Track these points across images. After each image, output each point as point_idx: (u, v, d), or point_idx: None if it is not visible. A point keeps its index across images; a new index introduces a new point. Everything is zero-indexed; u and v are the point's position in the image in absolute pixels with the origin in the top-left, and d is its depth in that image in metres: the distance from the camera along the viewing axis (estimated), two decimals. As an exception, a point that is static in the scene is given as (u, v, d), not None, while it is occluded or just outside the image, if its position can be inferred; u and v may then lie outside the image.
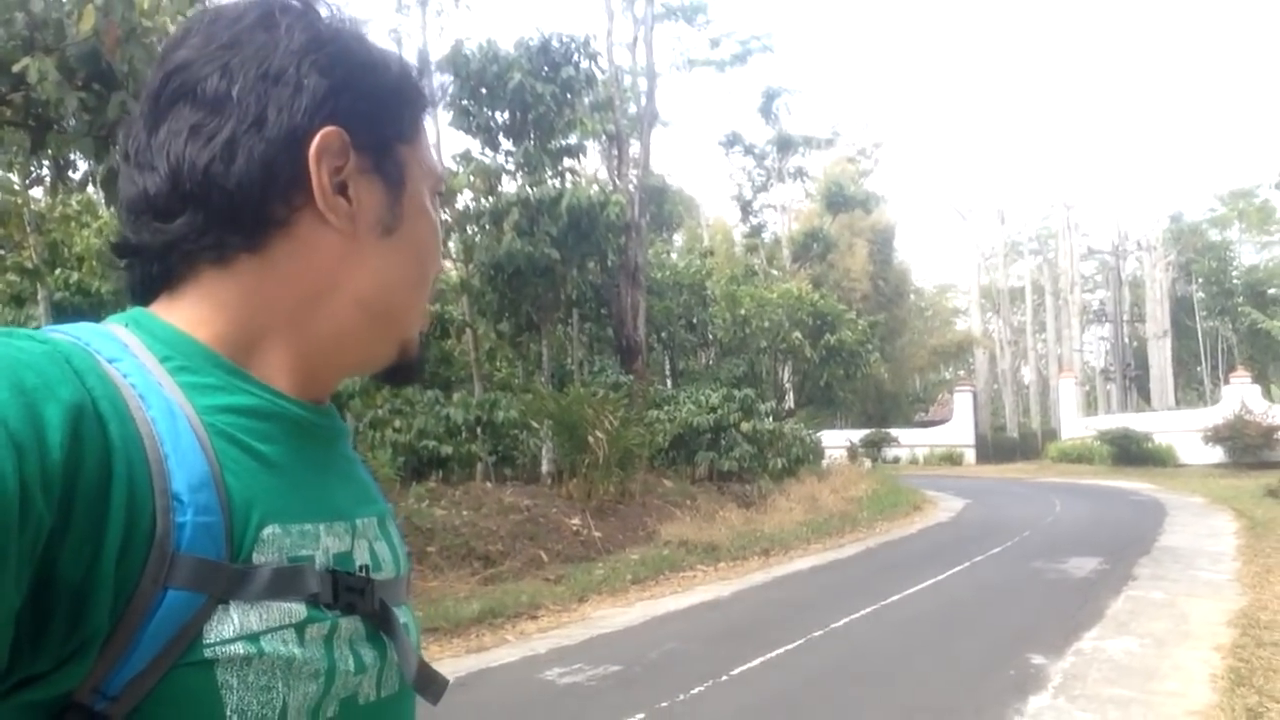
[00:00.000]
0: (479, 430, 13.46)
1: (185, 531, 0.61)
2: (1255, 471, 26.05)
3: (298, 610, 0.66)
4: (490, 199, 15.36)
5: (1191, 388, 50.28)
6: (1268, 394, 33.42)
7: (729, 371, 21.02)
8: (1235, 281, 49.30)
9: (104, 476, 0.58)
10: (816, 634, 7.76)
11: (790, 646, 7.33)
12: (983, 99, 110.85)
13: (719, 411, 16.83)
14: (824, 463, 21.95)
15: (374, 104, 0.74)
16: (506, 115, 15.69)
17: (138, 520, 0.59)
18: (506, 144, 16.02)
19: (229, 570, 0.63)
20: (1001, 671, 6.56)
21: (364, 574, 0.73)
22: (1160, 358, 44.66)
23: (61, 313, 12.82)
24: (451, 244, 15.41)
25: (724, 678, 6.41)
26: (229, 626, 0.61)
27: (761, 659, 6.93)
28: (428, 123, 0.83)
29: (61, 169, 7.06)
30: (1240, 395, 31.28)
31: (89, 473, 0.57)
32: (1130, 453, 32.07)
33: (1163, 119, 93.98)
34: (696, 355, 22.66)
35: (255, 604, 0.63)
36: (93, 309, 13.43)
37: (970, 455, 39.03)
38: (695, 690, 6.08)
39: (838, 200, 37.26)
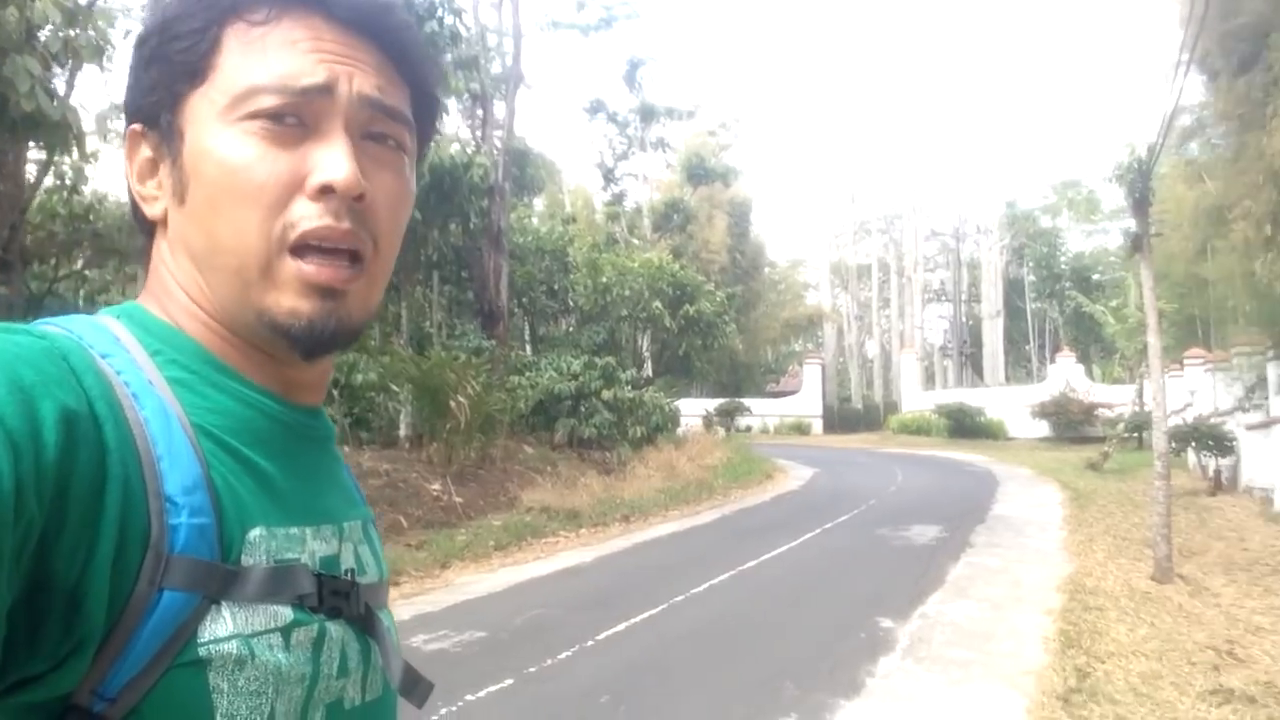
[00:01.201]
0: (335, 392, 13.08)
1: (179, 533, 0.61)
2: (1076, 445, 27.97)
3: (284, 613, 0.66)
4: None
5: (1020, 365, 53.44)
6: (1090, 373, 35.93)
7: (589, 339, 21.08)
8: (1063, 266, 52.54)
9: (99, 477, 0.58)
10: (678, 599, 7.94)
11: (654, 611, 7.48)
12: (836, 81, 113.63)
13: (581, 379, 16.88)
14: (680, 431, 22.34)
15: (140, 83, 0.74)
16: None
17: (132, 522, 0.59)
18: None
19: (222, 570, 0.63)
20: (853, 634, 6.88)
21: (349, 578, 0.73)
22: (993, 336, 47.32)
23: None
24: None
25: (590, 642, 6.50)
26: (222, 626, 0.62)
27: (626, 624, 7.05)
28: (263, 32, 0.70)
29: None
30: (1065, 374, 33.52)
31: (83, 473, 0.57)
32: (965, 426, 33.92)
33: (1003, 108, 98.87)
34: (557, 322, 22.63)
35: (246, 605, 0.64)
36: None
37: (818, 425, 40.43)
38: (562, 655, 6.14)
39: (698, 172, 37.70)
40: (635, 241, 31.90)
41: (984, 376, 47.23)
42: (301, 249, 0.69)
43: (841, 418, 42.47)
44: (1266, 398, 14.29)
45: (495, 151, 18.44)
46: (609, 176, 37.35)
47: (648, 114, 37.37)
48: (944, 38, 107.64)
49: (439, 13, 15.48)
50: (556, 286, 21.35)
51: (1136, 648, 6.38)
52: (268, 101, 0.69)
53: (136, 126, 0.75)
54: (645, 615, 7.34)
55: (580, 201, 36.39)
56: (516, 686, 5.50)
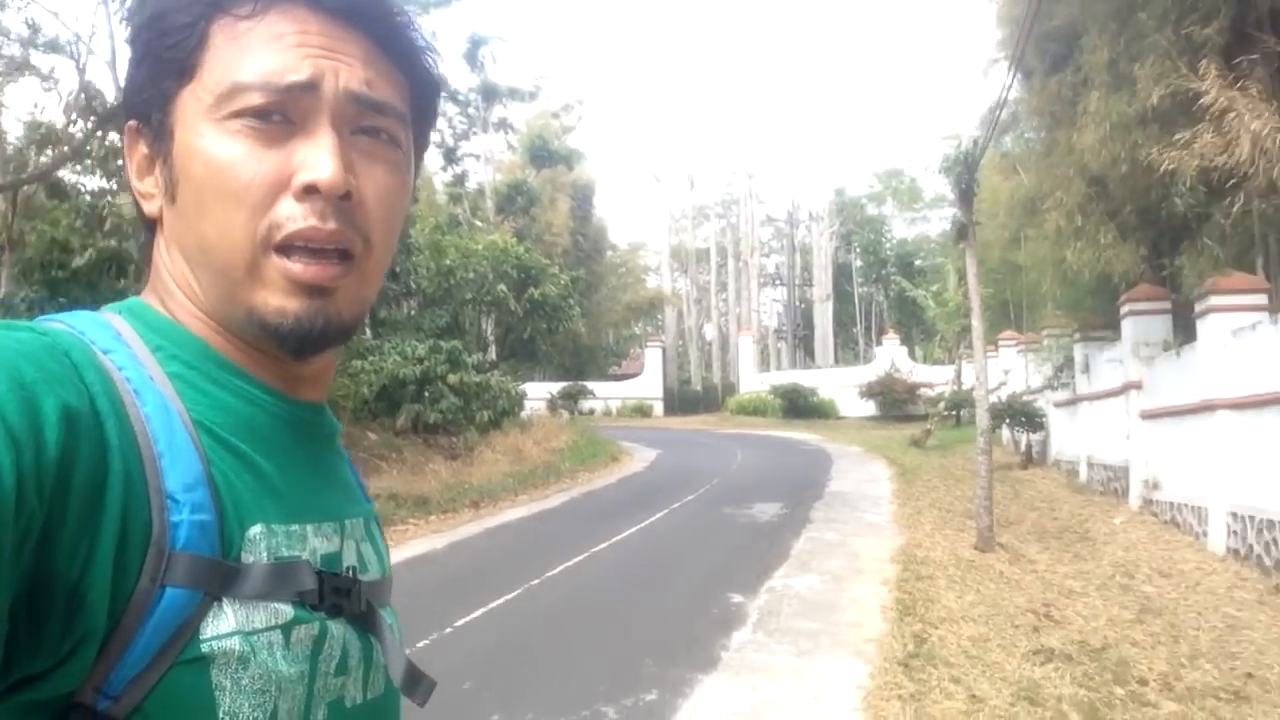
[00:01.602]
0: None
1: (181, 530, 0.61)
2: (901, 424, 29.46)
3: (285, 611, 0.66)
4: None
5: (849, 347, 55.78)
6: (913, 355, 37.91)
7: (432, 322, 20.71)
8: (888, 252, 55.17)
9: (100, 473, 0.57)
10: (534, 582, 8.00)
11: (510, 596, 7.52)
12: (679, 68, 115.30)
13: (426, 363, 16.61)
14: (525, 415, 22.29)
15: (133, 80, 0.73)
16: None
17: (134, 519, 0.59)
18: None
19: (224, 567, 0.63)
20: (707, 610, 7.12)
21: (351, 575, 0.73)
22: (824, 319, 49.18)
23: None
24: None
25: (448, 629, 6.49)
26: (224, 622, 0.62)
27: (483, 609, 7.07)
28: (243, 28, 0.69)
29: None
30: (890, 355, 35.30)
31: (84, 469, 0.56)
32: (799, 406, 35.19)
33: (834, 98, 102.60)
34: (399, 305, 22.09)
35: (247, 602, 0.64)
36: None
37: (659, 407, 41.06)
38: (420, 644, 6.11)
39: (541, 154, 37.51)
40: (478, 223, 31.50)
41: (815, 358, 49.05)
42: (288, 248, 0.68)
43: (682, 399, 43.25)
44: (1073, 377, 15.45)
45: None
46: (450, 157, 36.68)
47: (489, 94, 36.85)
48: (780, 28, 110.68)
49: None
50: (398, 269, 20.77)
51: (965, 613, 6.88)
52: (252, 99, 0.67)
53: (133, 123, 0.74)
54: (502, 600, 7.38)
55: (421, 181, 35.62)
56: (378, 677, 5.44)
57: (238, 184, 0.67)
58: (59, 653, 0.55)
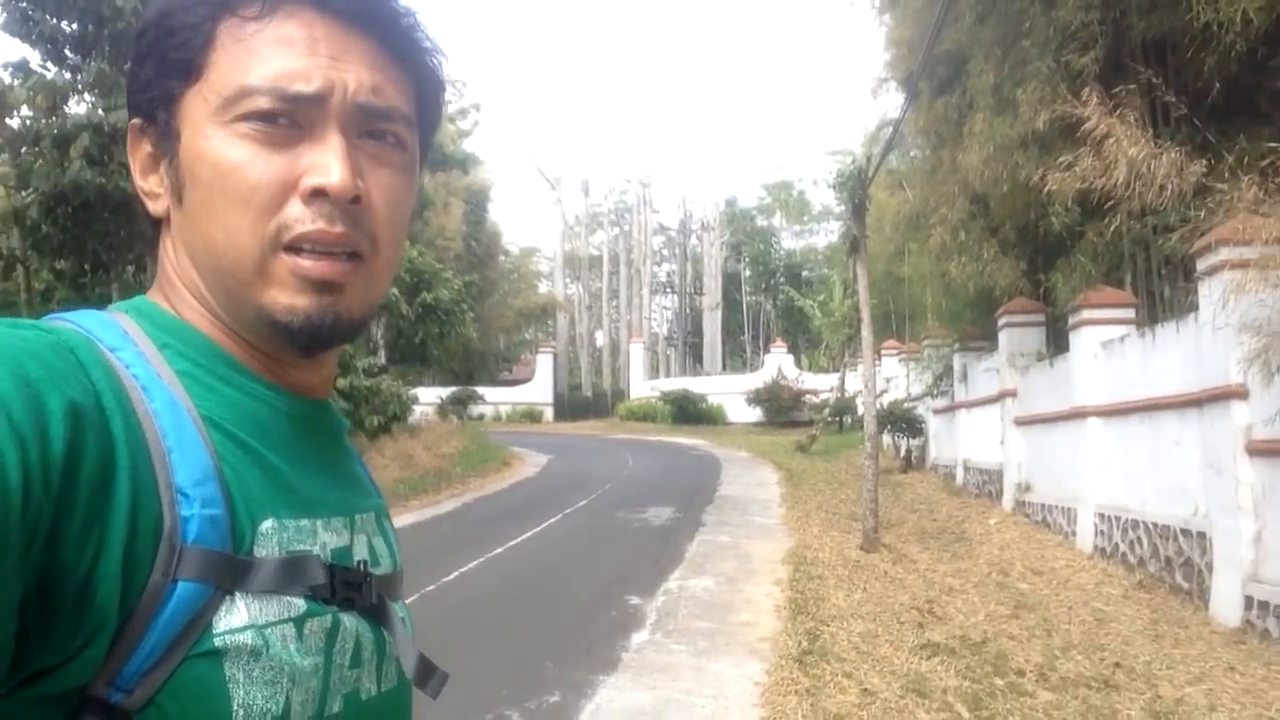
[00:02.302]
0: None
1: (192, 525, 0.62)
2: (787, 429, 30.10)
3: (297, 604, 0.67)
4: (54, 119, 13.45)
5: (737, 355, 56.63)
6: (799, 363, 38.73)
7: (321, 325, 20.23)
8: (777, 263, 56.33)
9: (107, 470, 0.58)
10: (429, 588, 7.93)
11: (405, 601, 7.41)
12: (575, 73, 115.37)
13: (314, 367, 16.21)
14: (415, 420, 21.96)
15: (138, 78, 0.74)
16: (75, 26, 13.79)
17: (143, 514, 0.59)
18: (74, 58, 14.09)
19: (236, 561, 0.64)
20: (605, 612, 7.19)
21: (362, 569, 0.74)
22: (713, 327, 49.87)
23: None
24: (1, 168, 13.31)
25: (344, 637, 6.38)
26: (237, 616, 0.63)
27: (379, 616, 6.96)
28: (265, 29, 0.70)
29: None
30: (778, 363, 35.97)
31: (90, 466, 0.57)
32: (688, 412, 35.59)
33: (724, 111, 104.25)
34: (287, 306, 21.52)
35: (259, 596, 0.64)
36: None
37: (549, 413, 41.01)
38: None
39: (436, 158, 36.99)
40: (368, 225, 30.83)
41: (704, 365, 49.66)
42: (296, 247, 0.69)
43: (572, 405, 43.26)
44: (952, 385, 16.07)
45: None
46: (341, 157, 35.91)
47: (381, 95, 36.22)
48: (675, 38, 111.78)
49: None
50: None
51: (854, 610, 7.11)
52: (260, 104, 0.68)
53: (137, 122, 0.74)
54: (398, 606, 7.27)
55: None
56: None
57: (245, 186, 0.68)
58: (70, 647, 0.56)
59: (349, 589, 0.71)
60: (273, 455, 0.71)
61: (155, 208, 0.75)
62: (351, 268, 0.71)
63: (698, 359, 53.10)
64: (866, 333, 10.61)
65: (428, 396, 29.21)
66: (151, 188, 0.75)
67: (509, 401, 40.48)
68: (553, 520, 12.08)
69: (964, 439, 15.19)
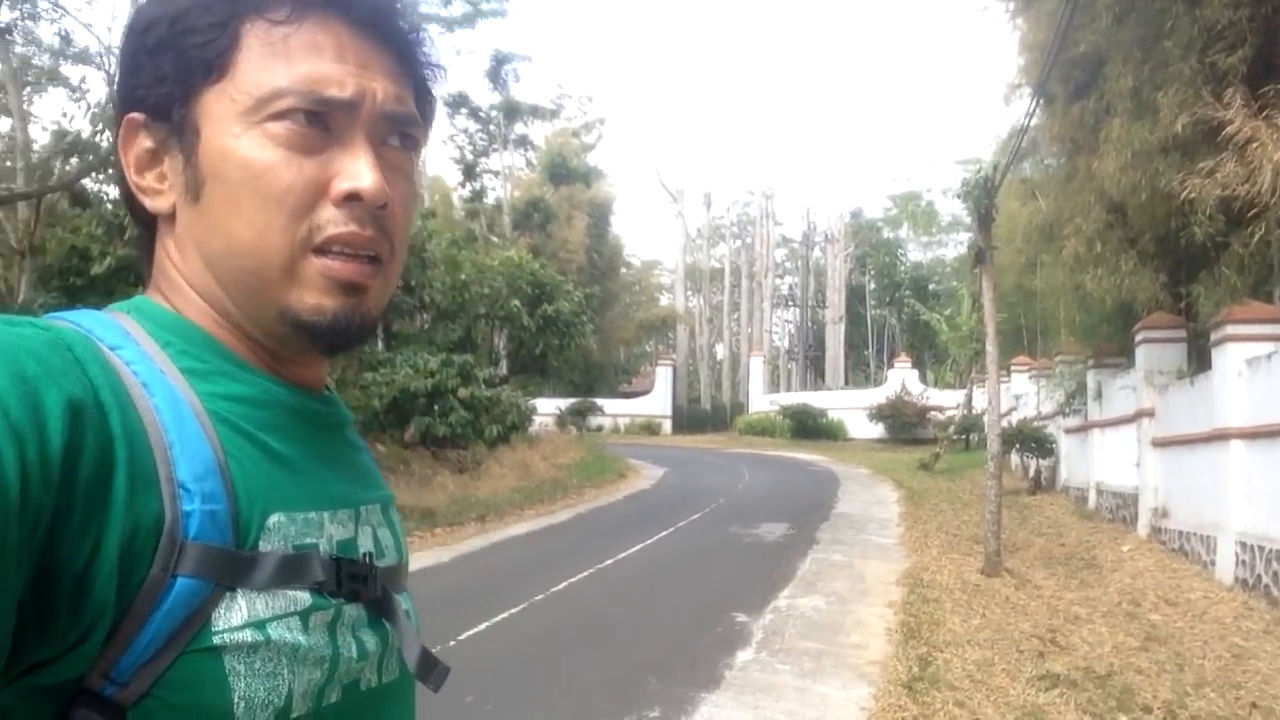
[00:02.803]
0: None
1: (193, 520, 0.62)
2: (910, 446, 29.36)
3: (302, 598, 0.67)
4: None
5: (860, 369, 55.68)
6: (924, 378, 37.78)
7: (445, 336, 20.74)
8: (903, 275, 55.12)
9: (105, 466, 0.58)
10: (539, 598, 7.99)
11: (514, 610, 7.51)
12: (699, 87, 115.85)
13: (437, 377, 16.64)
14: (534, 430, 22.29)
15: (143, 73, 0.73)
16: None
17: (143, 508, 0.59)
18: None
19: (237, 557, 0.64)
20: (710, 629, 7.10)
21: (367, 561, 0.74)
22: (836, 341, 49.09)
23: None
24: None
25: (451, 643, 6.48)
26: (237, 614, 0.63)
27: (487, 623, 7.06)
28: (295, 34, 0.70)
29: None
30: (902, 378, 35.15)
31: (88, 462, 0.57)
32: (807, 427, 35.11)
33: (852, 121, 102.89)
34: (413, 318, 22.16)
35: (262, 592, 0.64)
36: None
37: (668, 425, 41.04)
38: (424, 656, 6.09)
39: (560, 172, 37.67)
40: (495, 239, 31.58)
41: (826, 380, 48.96)
42: (324, 250, 0.70)
43: (690, 418, 43.20)
44: (1085, 404, 15.38)
45: (352, 142, 17.93)
46: (469, 173, 36.82)
47: (511, 111, 37.07)
48: (800, 49, 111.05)
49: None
50: (413, 282, 20.86)
51: (971, 637, 6.83)
52: (294, 106, 0.69)
53: (136, 116, 0.73)
54: (506, 614, 7.37)
55: (439, 196, 35.77)
56: (380, 687, 5.44)
57: (279, 187, 0.69)
58: (66, 640, 0.56)
59: (354, 581, 0.71)
60: (280, 448, 0.71)
61: (154, 204, 0.74)
62: (374, 270, 0.73)
63: (819, 373, 52.40)
64: (991, 348, 10.24)
65: (547, 407, 29.68)
66: (149, 184, 0.74)
67: (628, 413, 40.69)
68: (664, 534, 12.05)
69: (1097, 460, 14.49)
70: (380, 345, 20.12)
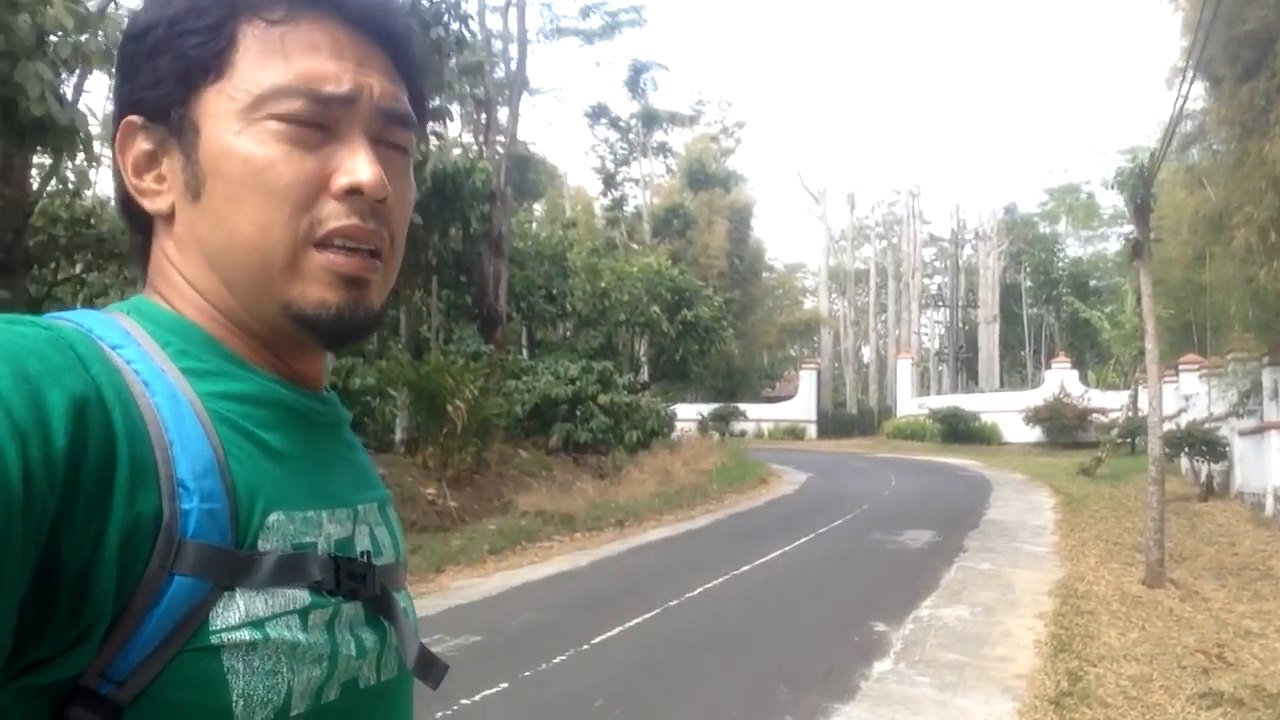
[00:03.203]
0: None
1: (191, 518, 0.62)
2: (1070, 450, 27.97)
3: (301, 597, 0.67)
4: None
5: (1016, 370, 53.52)
6: (1084, 379, 35.96)
7: (586, 343, 21.11)
8: (1060, 272, 52.60)
9: (108, 463, 0.58)
10: (673, 603, 7.97)
11: (648, 615, 7.51)
12: (839, 85, 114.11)
13: (578, 383, 16.91)
14: (675, 435, 22.36)
15: (140, 75, 0.74)
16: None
17: (143, 507, 0.59)
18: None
19: (235, 557, 0.64)
20: (847, 638, 6.92)
21: (365, 559, 0.74)
22: (989, 341, 47.34)
23: None
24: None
25: (585, 646, 6.53)
26: (235, 613, 0.62)
27: (620, 627, 7.08)
28: (288, 33, 0.71)
29: None
30: (1060, 379, 33.49)
31: (92, 460, 0.57)
32: (959, 431, 33.90)
33: (1001, 113, 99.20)
34: (555, 326, 22.64)
35: (260, 591, 0.64)
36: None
37: (812, 430, 40.44)
38: (557, 659, 6.17)
39: (699, 178, 37.75)
40: (634, 246, 31.91)
41: (979, 382, 47.27)
42: (326, 244, 0.71)
43: (836, 423, 42.47)
44: (1260, 404, 14.33)
45: (497, 156, 18.48)
46: (610, 181, 37.39)
47: (649, 119, 37.43)
48: (944, 41, 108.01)
49: (445, 19, 15.51)
50: (555, 291, 21.36)
51: (1127, 651, 6.44)
52: (294, 104, 0.70)
53: (134, 119, 0.74)
54: (640, 619, 7.38)
55: (580, 206, 36.43)
56: (511, 691, 5.53)
57: (281, 182, 0.70)
58: (65, 639, 0.57)
59: (353, 580, 0.71)
60: (279, 447, 0.71)
61: (153, 205, 0.75)
62: (375, 264, 0.74)
63: (971, 375, 50.67)
64: (1151, 345, 9.63)
65: (689, 413, 29.69)
66: (148, 185, 0.75)
67: (771, 418, 40.31)
68: (804, 540, 11.85)
69: (1275, 464, 13.46)
70: (525, 353, 20.64)
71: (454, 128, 19.21)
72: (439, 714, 5.06)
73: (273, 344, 0.75)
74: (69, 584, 0.56)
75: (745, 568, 9.74)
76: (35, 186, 8.05)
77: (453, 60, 16.04)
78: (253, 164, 0.70)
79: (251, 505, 0.66)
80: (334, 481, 0.77)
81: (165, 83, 0.72)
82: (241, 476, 0.66)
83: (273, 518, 0.67)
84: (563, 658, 6.22)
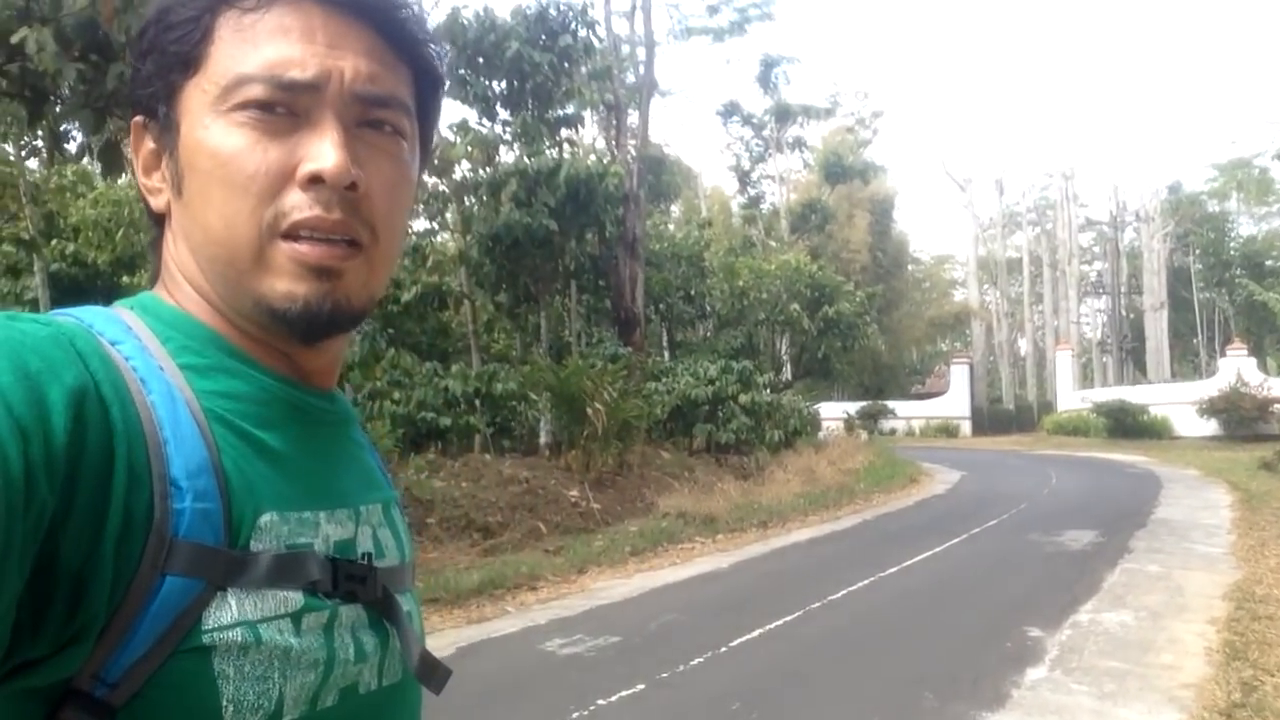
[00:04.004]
0: (477, 402, 13.46)
1: (184, 518, 0.61)
2: (1250, 444, 26.16)
3: (294, 599, 0.66)
4: (488, 169, 15.29)
5: (1187, 360, 50.44)
6: (1263, 366, 33.53)
7: (726, 343, 21.03)
8: (1233, 253, 49.24)
9: (106, 460, 0.58)
10: (815, 605, 7.81)
11: (789, 618, 7.37)
12: (982, 67, 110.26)
13: (717, 383, 16.85)
14: (821, 435, 21.99)
15: (140, 75, 0.74)
16: (504, 84, 15.58)
17: (137, 505, 0.59)
18: (504, 114, 15.92)
19: (227, 557, 0.63)
20: (999, 643, 6.62)
21: (366, 561, 0.73)
22: (1156, 330, 44.73)
23: (58, 284, 12.86)
24: (449, 215, 15.33)
25: (723, 649, 6.46)
26: (227, 613, 0.62)
27: (760, 630, 6.98)
28: (251, 21, 0.70)
29: (58, 140, 7.03)
30: (1236, 367, 31.33)
31: (92, 457, 0.57)
32: (1125, 425, 32.18)
33: (1161, 87, 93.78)
34: (694, 327, 22.65)
35: (253, 592, 0.63)
36: (89, 280, 13.48)
37: (966, 427, 39.16)
38: (695, 661, 6.13)
39: (836, 171, 37.13)
40: (772, 244, 31.64)
41: (1147, 373, 44.74)
42: (291, 235, 0.69)
43: (992, 419, 41.01)
44: None
45: (630, 160, 18.63)
46: (745, 179, 37.24)
47: (783, 114, 37.08)
48: (1092, 14, 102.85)
49: (573, 26, 15.77)
50: (693, 292, 21.37)
51: (1313, 662, 5.92)
52: (256, 92, 0.68)
53: (139, 119, 0.75)
54: (780, 622, 7.25)
55: (716, 205, 36.39)
56: (648, 692, 5.52)
57: (243, 174, 0.68)
58: (60, 639, 0.56)
59: (352, 582, 0.71)
60: (276, 446, 0.71)
61: (157, 203, 0.76)
62: (349, 253, 0.71)
63: (1139, 365, 48.02)
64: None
65: (834, 411, 29.23)
66: (154, 184, 0.76)
67: (922, 415, 39.26)
68: (955, 541, 11.43)
69: None
70: (666, 355, 20.74)
71: (587, 133, 19.48)
72: (575, 713, 5.10)
73: (261, 337, 0.73)
74: (66, 582, 0.56)
75: (892, 570, 9.46)
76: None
77: (583, 67, 16.27)
78: (219, 157, 0.69)
79: (244, 506, 0.65)
80: (336, 481, 0.76)
81: (153, 80, 0.73)
82: (235, 476, 0.65)
83: (265, 518, 0.66)
84: (700, 660, 6.18)
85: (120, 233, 13.75)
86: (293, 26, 0.70)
